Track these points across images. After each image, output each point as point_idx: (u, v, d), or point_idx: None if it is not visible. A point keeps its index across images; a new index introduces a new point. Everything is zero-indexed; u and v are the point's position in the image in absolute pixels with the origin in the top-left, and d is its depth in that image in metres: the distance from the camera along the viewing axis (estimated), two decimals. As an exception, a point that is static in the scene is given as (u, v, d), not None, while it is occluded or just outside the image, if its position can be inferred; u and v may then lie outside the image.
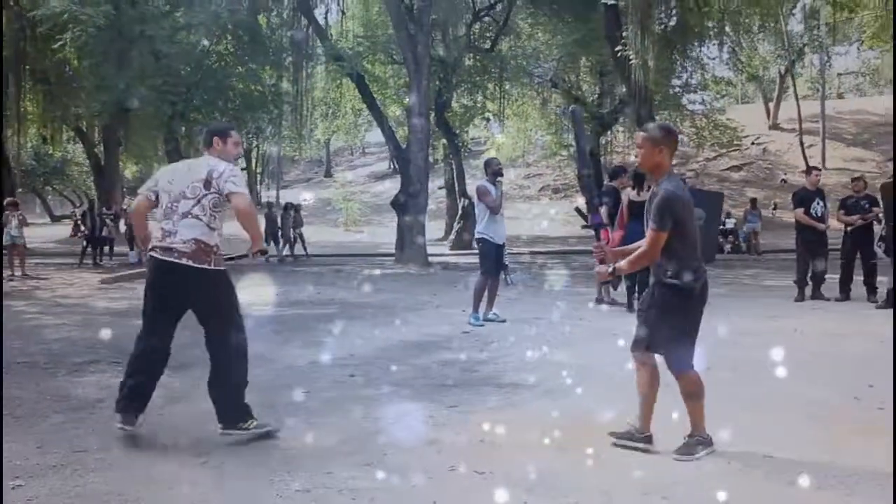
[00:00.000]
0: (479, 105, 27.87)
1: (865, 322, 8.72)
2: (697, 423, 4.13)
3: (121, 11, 14.26)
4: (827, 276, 10.80)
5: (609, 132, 32.12)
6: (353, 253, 21.60)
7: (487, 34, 23.65)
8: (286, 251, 20.79)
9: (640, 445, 4.19)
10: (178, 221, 4.39)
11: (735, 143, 32.98)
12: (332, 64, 19.91)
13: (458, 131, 27.41)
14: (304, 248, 21.18)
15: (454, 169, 27.23)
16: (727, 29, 20.11)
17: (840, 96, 53.49)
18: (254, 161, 39.94)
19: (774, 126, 42.22)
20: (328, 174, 53.31)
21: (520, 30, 25.59)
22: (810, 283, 10.76)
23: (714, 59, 22.70)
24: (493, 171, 9.23)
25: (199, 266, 4.34)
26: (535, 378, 6.10)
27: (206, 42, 16.16)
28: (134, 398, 4.45)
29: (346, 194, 39.33)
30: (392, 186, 43.83)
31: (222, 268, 4.47)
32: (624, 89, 28.58)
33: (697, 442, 4.11)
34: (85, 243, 18.88)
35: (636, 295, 9.23)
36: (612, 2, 16.63)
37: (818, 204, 10.78)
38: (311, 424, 4.82)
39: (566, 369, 6.36)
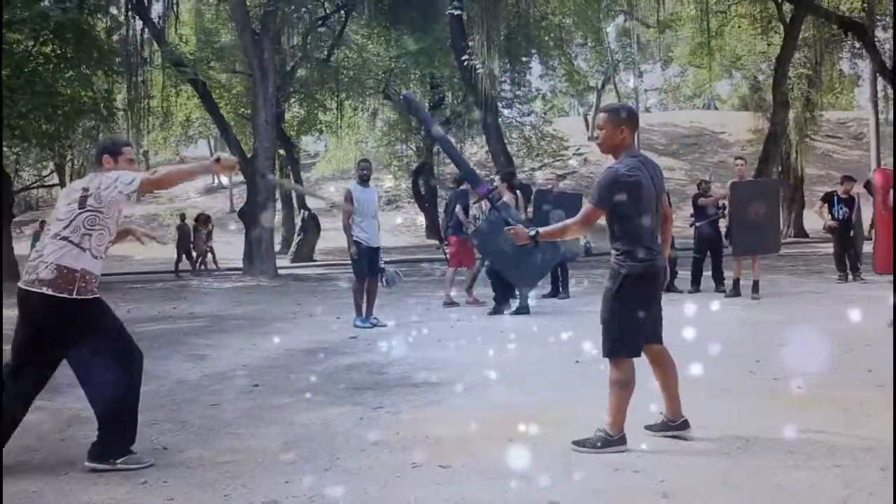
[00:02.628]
0: (312, 116, 27.48)
1: (725, 310, 9.34)
2: (613, 416, 3.93)
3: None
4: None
5: (442, 143, 32.68)
6: (189, 269, 20.58)
7: (322, 44, 23.35)
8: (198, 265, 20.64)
9: (679, 433, 4.09)
10: (46, 245, 3.92)
11: (561, 153, 34.51)
12: (170, 69, 18.94)
13: (294, 142, 26.88)
14: (215, 262, 21.23)
15: (291, 180, 26.67)
16: (562, 40, 21.05)
17: (647, 110, 57.42)
18: (67, 175, 37.13)
19: (593, 137, 44.55)
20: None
21: (355, 41, 25.47)
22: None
23: (550, 72, 23.39)
24: (360, 174, 9.23)
25: (58, 295, 3.82)
26: (443, 376, 6.07)
27: (30, 42, 14.87)
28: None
29: (173, 210, 37.44)
30: (220, 201, 42.50)
31: (90, 297, 3.93)
32: (457, 100, 29.62)
33: (603, 438, 3.94)
34: None
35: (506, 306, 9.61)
36: (458, 12, 16.94)
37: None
38: (238, 436, 4.53)
39: (469, 366, 6.42)
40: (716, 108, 54.45)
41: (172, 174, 3.97)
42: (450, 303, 10.70)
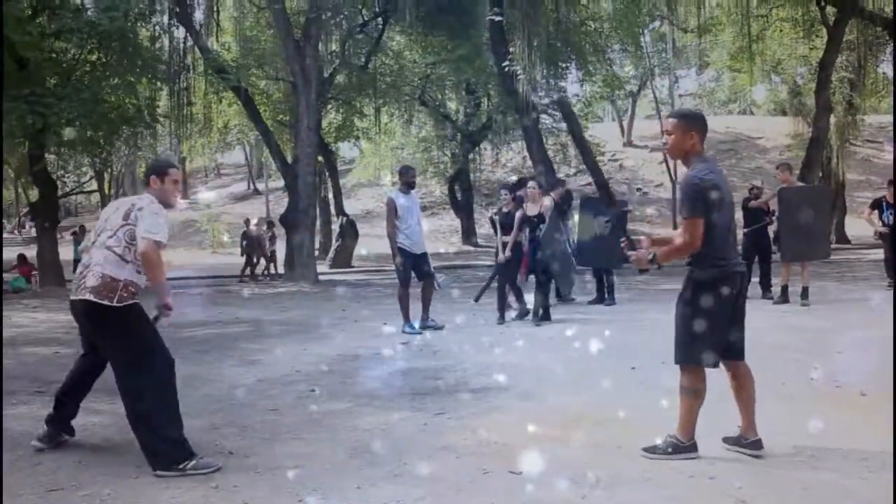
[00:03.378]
0: (349, 122, 27.63)
1: (776, 316, 9.17)
2: (683, 423, 3.92)
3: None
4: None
5: (478, 148, 32.81)
6: (231, 274, 20.75)
7: (360, 51, 23.47)
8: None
9: (748, 451, 3.95)
10: (94, 254, 4.17)
11: (597, 158, 34.33)
12: (213, 77, 19.16)
13: (333, 148, 27.06)
14: (276, 267, 20.90)
15: (331, 186, 26.80)
16: (601, 45, 20.97)
17: (681, 116, 56.91)
18: (106, 182, 37.70)
19: (629, 143, 44.33)
20: (184, 196, 51.25)
21: (391, 47, 25.57)
22: None
23: (589, 77, 23.30)
24: (406, 181, 9.21)
25: (100, 302, 4.04)
26: (499, 382, 6.06)
27: (76, 50, 15.11)
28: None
29: (209, 216, 37.85)
30: (256, 207, 42.84)
31: (129, 303, 4.11)
32: (490, 105, 29.63)
33: (674, 444, 3.92)
34: None
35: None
36: (498, 18, 16.94)
37: None
38: (303, 440, 4.55)
39: (523, 371, 6.42)
40: (752, 114, 53.87)
41: (152, 265, 4.08)
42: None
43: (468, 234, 32.80)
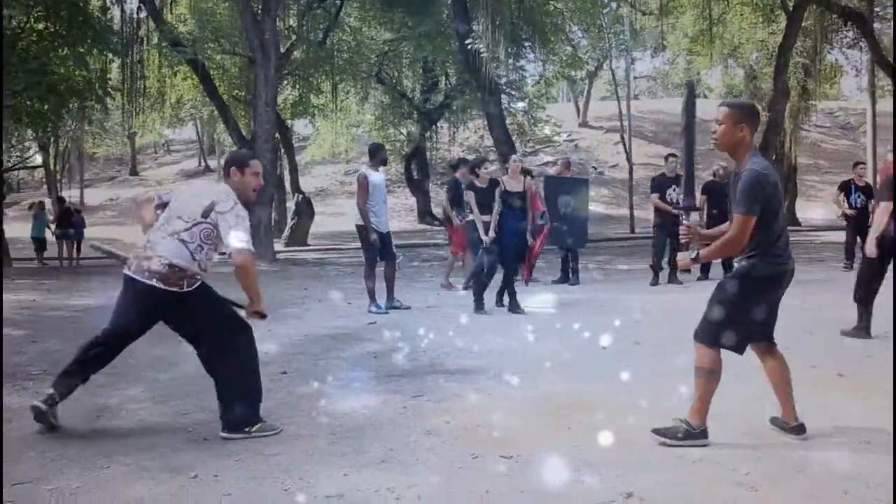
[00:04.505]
0: (305, 99, 27.18)
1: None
2: (697, 406, 3.81)
3: None
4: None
5: (434, 127, 32.56)
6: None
7: (318, 26, 23.04)
8: None
9: (790, 437, 3.89)
10: (161, 239, 4.11)
11: (553, 139, 34.44)
12: (168, 50, 18.57)
13: (289, 125, 26.61)
14: None
15: (287, 164, 26.38)
16: (562, 26, 20.87)
17: (636, 97, 57.36)
18: (52, 158, 36.56)
19: (584, 124, 44.52)
20: (134, 172, 50.03)
21: (350, 23, 25.17)
22: (666, 267, 11.11)
23: (551, 57, 23.20)
24: (381, 158, 9.14)
25: (169, 289, 4.04)
26: (476, 364, 5.96)
27: (22, 18, 14.46)
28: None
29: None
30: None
31: (198, 285, 4.14)
32: (448, 84, 29.39)
33: (685, 430, 3.81)
34: None
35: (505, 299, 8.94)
36: (461, -5, 16.73)
37: (674, 190, 11.25)
38: (284, 426, 4.34)
39: (499, 353, 6.34)
40: (705, 97, 54.49)
41: (247, 275, 4.12)
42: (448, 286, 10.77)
43: (423, 212, 32.64)
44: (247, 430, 4.08)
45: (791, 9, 19.68)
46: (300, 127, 37.32)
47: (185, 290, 4.07)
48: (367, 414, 4.56)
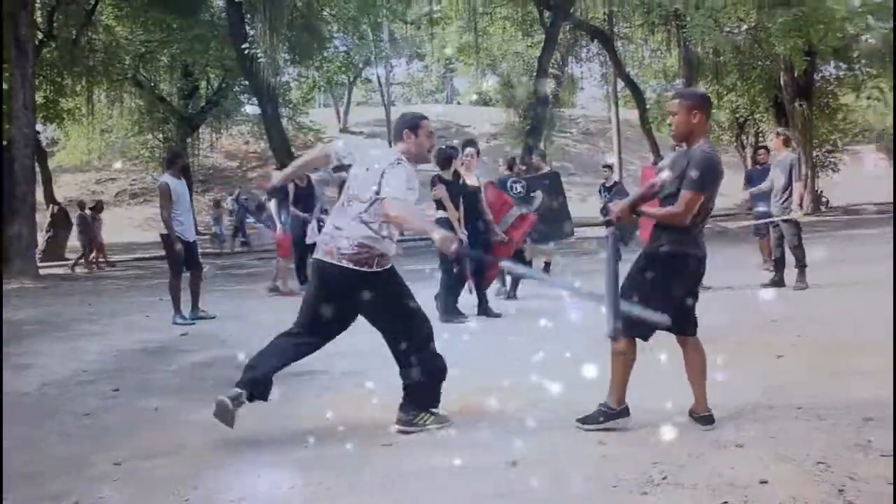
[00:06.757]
0: (54, 102, 25.12)
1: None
2: (613, 389, 3.94)
3: None
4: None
5: (196, 133, 31.32)
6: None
7: (70, 24, 21.46)
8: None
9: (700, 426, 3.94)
10: (346, 224, 4.06)
11: (319, 143, 34.50)
12: None
13: (39, 129, 24.40)
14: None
15: (39, 171, 24.19)
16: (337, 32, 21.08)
17: (392, 104, 58.91)
18: None
19: (345, 129, 45.01)
20: None
21: (105, 21, 23.67)
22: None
23: (326, 63, 23.28)
24: (180, 166, 9.09)
25: (360, 269, 4.00)
26: (318, 366, 5.93)
27: None
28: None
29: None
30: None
31: (388, 268, 4.14)
32: (211, 88, 28.49)
33: (604, 412, 3.95)
34: None
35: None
36: None
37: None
38: (151, 441, 4.21)
39: (334, 355, 6.32)
40: (458, 104, 57.11)
41: (415, 223, 4.13)
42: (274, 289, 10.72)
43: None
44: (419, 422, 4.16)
45: (549, 25, 21.44)
46: (47, 132, 34.35)
47: (375, 269, 4.03)
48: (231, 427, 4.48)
